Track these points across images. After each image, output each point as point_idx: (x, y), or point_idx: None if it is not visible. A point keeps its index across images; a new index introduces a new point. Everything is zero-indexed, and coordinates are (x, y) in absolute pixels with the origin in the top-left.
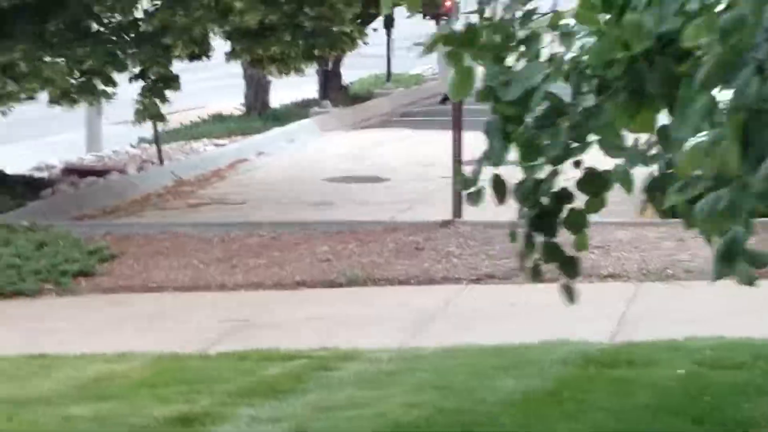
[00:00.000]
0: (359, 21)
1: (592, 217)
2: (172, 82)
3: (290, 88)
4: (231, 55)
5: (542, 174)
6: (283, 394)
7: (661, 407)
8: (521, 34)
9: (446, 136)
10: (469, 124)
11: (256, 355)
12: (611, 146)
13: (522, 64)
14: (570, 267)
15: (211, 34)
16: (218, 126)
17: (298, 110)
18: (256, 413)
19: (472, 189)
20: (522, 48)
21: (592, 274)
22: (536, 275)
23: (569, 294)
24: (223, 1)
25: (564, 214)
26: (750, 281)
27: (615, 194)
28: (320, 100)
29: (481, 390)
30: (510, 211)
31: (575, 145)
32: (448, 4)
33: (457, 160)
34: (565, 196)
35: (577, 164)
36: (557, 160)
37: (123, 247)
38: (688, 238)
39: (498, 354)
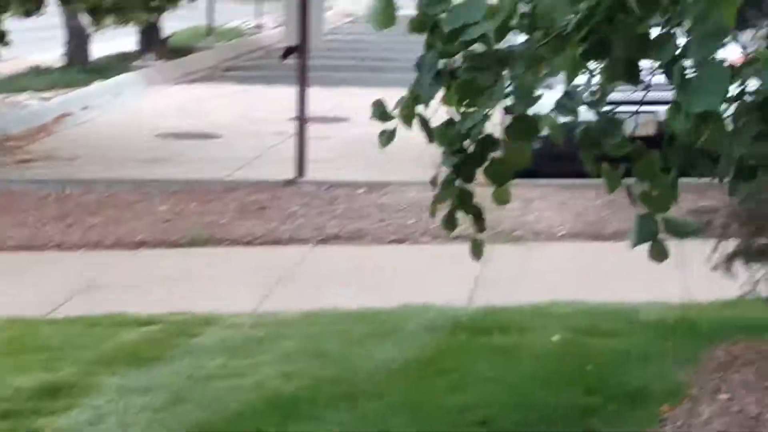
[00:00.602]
0: None
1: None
2: (2, 38)
3: (108, 39)
4: (65, 3)
5: (472, 119)
6: (147, 362)
7: (549, 378)
8: None
9: (273, 92)
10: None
11: (107, 320)
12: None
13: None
14: (480, 220)
15: None
16: (40, 79)
17: (121, 63)
18: (124, 382)
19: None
20: None
21: (439, 236)
22: (451, 225)
23: (477, 250)
24: None
25: (487, 163)
26: (663, 258)
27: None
28: (141, 53)
29: (356, 358)
30: (353, 169)
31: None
32: None
33: (302, 118)
34: (491, 142)
35: (508, 109)
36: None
37: None
38: (534, 198)
39: (362, 320)
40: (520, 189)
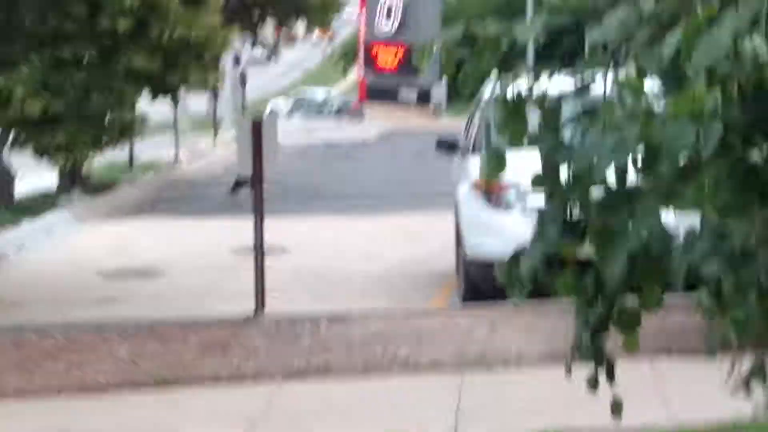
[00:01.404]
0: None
1: (392, 307)
2: None
3: (24, 176)
4: (14, 145)
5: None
6: None
7: None
8: (578, 106)
9: (205, 224)
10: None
11: None
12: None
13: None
14: (612, 371)
15: None
16: None
17: (45, 201)
18: None
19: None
20: (582, 121)
21: (409, 365)
22: (594, 384)
23: (619, 409)
24: (3, 90)
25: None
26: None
27: (406, 282)
28: (64, 189)
29: None
30: (306, 301)
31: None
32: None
33: (260, 250)
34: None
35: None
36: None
37: None
38: (498, 323)
39: None
40: (483, 315)
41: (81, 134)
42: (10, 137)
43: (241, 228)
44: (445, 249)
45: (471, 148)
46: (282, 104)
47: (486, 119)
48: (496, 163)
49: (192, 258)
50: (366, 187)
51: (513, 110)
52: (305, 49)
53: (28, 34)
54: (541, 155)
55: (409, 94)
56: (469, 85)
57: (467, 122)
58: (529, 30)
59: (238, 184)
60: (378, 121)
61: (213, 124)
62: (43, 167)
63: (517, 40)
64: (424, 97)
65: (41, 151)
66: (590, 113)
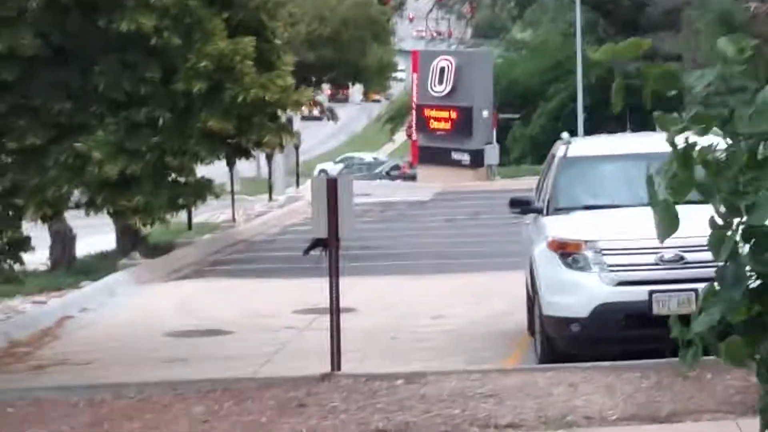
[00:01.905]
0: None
1: (468, 366)
2: (24, 244)
3: (82, 237)
4: (90, 207)
5: None
6: None
7: None
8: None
9: (266, 285)
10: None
11: None
12: None
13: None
14: None
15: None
16: (28, 283)
17: (104, 263)
18: None
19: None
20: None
21: (490, 425)
22: None
23: None
24: (80, 155)
25: None
26: None
27: (477, 341)
28: (122, 251)
29: None
30: (378, 360)
31: None
32: None
33: (336, 310)
34: None
35: None
36: None
37: None
38: (578, 382)
39: None
40: (563, 374)
41: (157, 196)
42: (85, 199)
43: (300, 288)
44: (512, 308)
45: (546, 208)
46: (331, 167)
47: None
48: (669, 223)
49: (255, 318)
50: (426, 247)
51: (682, 160)
52: (351, 112)
53: (103, 98)
54: (717, 206)
55: (461, 155)
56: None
57: (539, 182)
58: (703, 78)
59: (313, 246)
60: (431, 182)
61: (268, 185)
62: (97, 228)
63: (689, 85)
64: (476, 159)
65: (118, 214)
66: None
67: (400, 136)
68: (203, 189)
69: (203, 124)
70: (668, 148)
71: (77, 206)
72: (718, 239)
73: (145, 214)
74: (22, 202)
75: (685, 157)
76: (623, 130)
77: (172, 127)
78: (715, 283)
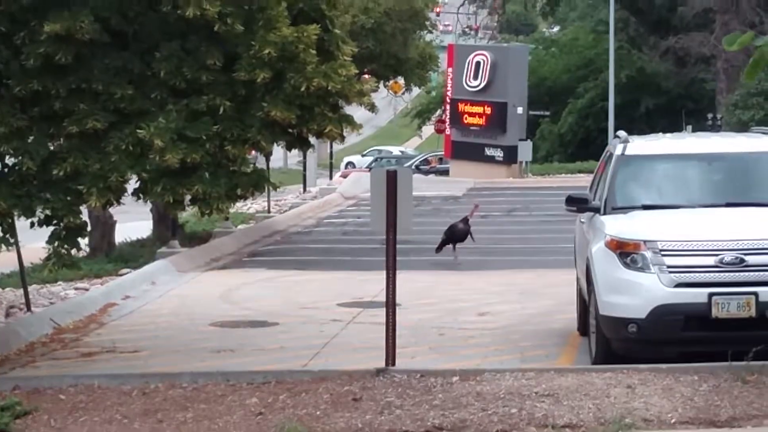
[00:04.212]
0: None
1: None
2: (82, 230)
3: (119, 222)
4: (149, 195)
5: None
6: None
7: None
8: None
9: (308, 276)
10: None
11: None
12: None
13: None
14: None
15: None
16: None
17: (142, 250)
18: None
19: None
20: None
21: (547, 425)
22: None
23: None
24: (141, 142)
25: None
26: None
27: (527, 339)
28: (159, 239)
29: None
30: (434, 357)
31: None
32: None
33: (392, 305)
34: None
35: None
36: None
37: (35, 401)
38: (636, 384)
39: None
40: (620, 375)
41: (216, 186)
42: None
43: (341, 281)
44: (558, 306)
45: (603, 206)
46: (358, 160)
47: None
48: None
49: (300, 310)
50: (464, 243)
51: None
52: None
53: (164, 85)
54: None
55: (494, 151)
56: None
57: (593, 180)
58: None
59: (444, 243)
60: (463, 177)
61: (303, 176)
62: (131, 216)
63: None
64: (509, 155)
65: (176, 203)
66: None
67: (427, 130)
68: (261, 179)
69: (264, 113)
70: (727, 149)
71: (137, 194)
72: None
73: (204, 203)
74: (84, 189)
75: None
76: (652, 130)
77: (232, 115)
78: None
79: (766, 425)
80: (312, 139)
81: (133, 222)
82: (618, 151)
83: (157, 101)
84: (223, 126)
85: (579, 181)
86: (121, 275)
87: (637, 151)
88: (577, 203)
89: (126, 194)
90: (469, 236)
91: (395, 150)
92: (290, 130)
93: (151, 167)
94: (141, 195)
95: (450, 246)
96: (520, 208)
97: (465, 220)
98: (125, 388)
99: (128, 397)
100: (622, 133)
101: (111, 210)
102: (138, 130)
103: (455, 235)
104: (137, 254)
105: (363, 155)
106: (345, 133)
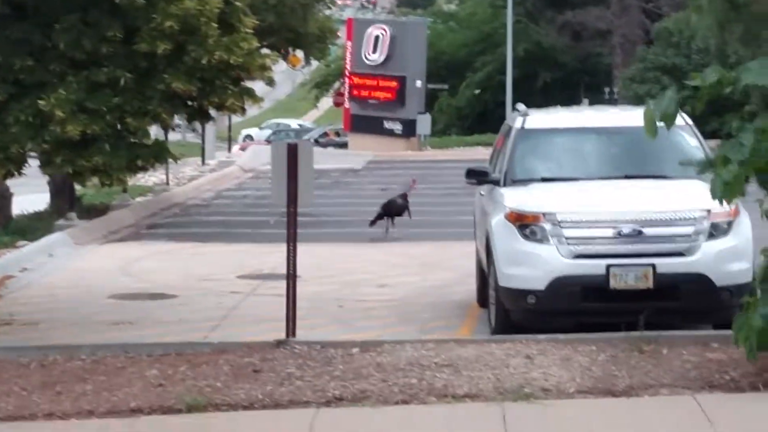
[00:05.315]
0: None
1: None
2: None
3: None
4: (49, 167)
5: None
6: None
7: None
8: None
9: (206, 249)
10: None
11: None
12: None
13: None
14: None
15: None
16: None
17: (39, 223)
18: None
19: None
20: None
21: (447, 394)
22: None
23: None
24: (41, 113)
25: None
26: None
27: (427, 311)
28: (56, 212)
29: None
30: (341, 331)
31: None
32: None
33: (293, 275)
34: None
35: None
36: None
37: None
38: (535, 354)
39: None
40: (519, 345)
41: (116, 157)
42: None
43: (239, 253)
44: (458, 278)
45: (503, 179)
46: (256, 132)
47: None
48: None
49: (199, 282)
50: (364, 215)
51: None
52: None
53: (64, 57)
54: None
55: (393, 125)
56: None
57: (493, 152)
58: None
59: (380, 216)
60: (362, 150)
61: (201, 149)
62: (29, 188)
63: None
64: (408, 129)
65: (76, 174)
66: None
67: (325, 103)
68: (161, 151)
69: (165, 85)
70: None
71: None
72: None
73: (105, 174)
74: None
75: None
76: (550, 103)
77: (133, 87)
78: None
79: (663, 394)
80: (212, 112)
81: (29, 195)
82: (517, 124)
83: (57, 73)
84: (123, 98)
85: (477, 154)
86: (18, 248)
87: (536, 124)
88: (477, 176)
89: (25, 166)
90: (406, 212)
91: (293, 123)
92: (191, 103)
93: (52, 139)
94: (41, 167)
95: (384, 221)
96: (419, 181)
97: (404, 196)
98: (23, 360)
99: (26, 369)
100: (521, 106)
101: (8, 182)
102: (39, 101)
103: (391, 209)
104: (34, 227)
105: (261, 128)
106: (246, 107)
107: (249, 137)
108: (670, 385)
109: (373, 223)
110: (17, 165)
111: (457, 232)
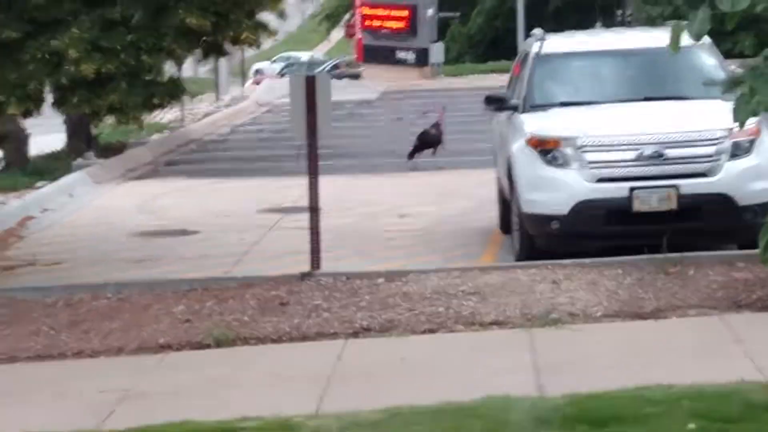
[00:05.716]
0: None
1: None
2: (2, 141)
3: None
4: (65, 107)
5: None
6: None
7: None
8: None
9: (225, 185)
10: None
11: (172, 428)
12: None
13: None
14: None
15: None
16: None
17: (57, 163)
18: None
19: None
20: None
21: (475, 322)
22: None
23: None
24: (57, 52)
25: None
26: None
27: (448, 239)
28: (73, 151)
29: None
30: (366, 262)
31: None
32: None
33: (315, 208)
34: None
35: None
36: None
37: None
38: (561, 279)
39: (456, 415)
40: (545, 271)
41: (132, 95)
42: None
43: (259, 188)
44: (477, 206)
45: (522, 105)
46: (267, 66)
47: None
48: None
49: (219, 218)
50: (381, 146)
51: None
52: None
53: None
54: None
55: (406, 54)
56: None
57: (511, 79)
58: None
59: (417, 148)
60: (376, 81)
61: (215, 84)
62: (45, 128)
63: None
64: (421, 58)
65: (93, 113)
66: None
67: (336, 35)
68: (177, 89)
69: (180, 21)
70: (645, 44)
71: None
72: None
73: (121, 113)
74: (3, 98)
75: None
76: (562, 28)
77: (147, 24)
78: None
79: (690, 315)
80: (227, 47)
81: (46, 136)
82: (534, 49)
83: (71, 11)
84: (137, 35)
85: (492, 81)
86: (37, 188)
87: (554, 48)
88: (496, 103)
89: (43, 104)
90: (441, 141)
91: (304, 56)
92: (205, 38)
93: (67, 78)
94: (58, 106)
95: (425, 151)
96: (434, 110)
97: (436, 126)
98: (49, 300)
99: (53, 309)
100: (538, 30)
101: (23, 124)
102: (53, 41)
103: (426, 139)
104: (53, 167)
105: (272, 62)
106: (260, 40)
107: (259, 71)
108: (697, 306)
109: (411, 155)
110: (36, 103)
111: (474, 160)
